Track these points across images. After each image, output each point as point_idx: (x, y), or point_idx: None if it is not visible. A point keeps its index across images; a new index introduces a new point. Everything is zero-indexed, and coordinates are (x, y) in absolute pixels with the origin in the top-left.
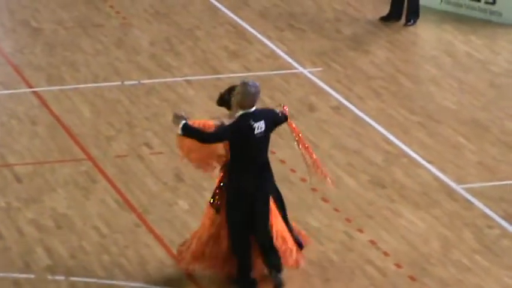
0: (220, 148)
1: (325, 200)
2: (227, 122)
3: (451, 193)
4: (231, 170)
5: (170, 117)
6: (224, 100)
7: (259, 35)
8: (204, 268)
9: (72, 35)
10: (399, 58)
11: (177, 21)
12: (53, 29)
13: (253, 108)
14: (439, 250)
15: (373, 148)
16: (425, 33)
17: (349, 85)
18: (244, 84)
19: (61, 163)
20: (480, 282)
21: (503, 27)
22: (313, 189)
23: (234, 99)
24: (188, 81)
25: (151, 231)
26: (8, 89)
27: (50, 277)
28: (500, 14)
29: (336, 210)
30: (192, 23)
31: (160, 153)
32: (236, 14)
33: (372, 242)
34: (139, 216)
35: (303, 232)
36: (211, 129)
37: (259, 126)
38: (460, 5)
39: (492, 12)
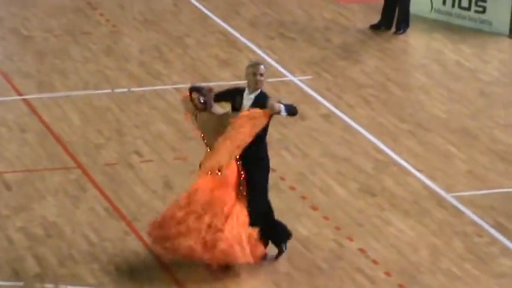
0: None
1: (314, 208)
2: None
3: (440, 201)
4: (263, 147)
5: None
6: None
7: (249, 44)
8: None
9: (62, 42)
10: (389, 66)
11: (167, 29)
12: (42, 37)
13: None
14: (429, 258)
15: (363, 156)
16: (416, 42)
17: (339, 93)
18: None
19: (51, 171)
20: None
21: (493, 36)
22: (303, 197)
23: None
24: (178, 89)
25: (140, 239)
26: None
27: (39, 285)
28: (490, 23)
29: (326, 218)
30: (182, 31)
31: (150, 161)
32: (226, 23)
33: (362, 250)
34: (128, 224)
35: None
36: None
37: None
38: (450, 14)
39: (482, 21)
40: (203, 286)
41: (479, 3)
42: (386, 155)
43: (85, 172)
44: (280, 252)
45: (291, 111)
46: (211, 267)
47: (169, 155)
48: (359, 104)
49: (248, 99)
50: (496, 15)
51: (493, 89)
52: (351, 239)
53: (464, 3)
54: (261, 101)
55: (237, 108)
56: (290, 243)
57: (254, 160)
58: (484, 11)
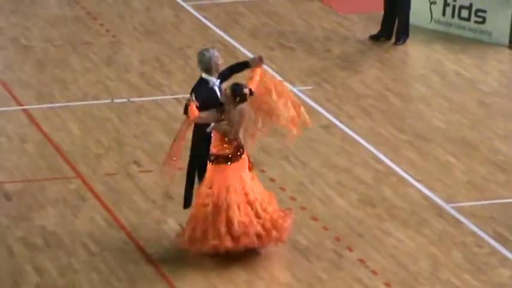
0: None
1: (314, 218)
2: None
3: (440, 212)
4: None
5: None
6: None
7: (249, 54)
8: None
9: (62, 52)
10: (389, 77)
11: (168, 39)
12: (42, 47)
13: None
14: (428, 269)
15: (363, 167)
16: (415, 52)
17: (339, 104)
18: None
19: (50, 181)
20: None
21: (493, 47)
22: (303, 208)
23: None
24: (178, 100)
25: (140, 249)
26: None
27: None
28: (489, 34)
29: (325, 228)
30: (183, 41)
31: (150, 171)
32: (226, 33)
33: (361, 261)
34: (128, 234)
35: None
36: None
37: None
38: (449, 25)
39: (482, 32)
40: None
41: (479, 13)
42: (386, 165)
43: (85, 182)
44: None
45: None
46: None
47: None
48: (359, 115)
49: (216, 82)
50: (496, 26)
51: (493, 100)
52: (350, 250)
53: (464, 14)
54: (225, 75)
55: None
56: (290, 253)
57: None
58: (483, 22)
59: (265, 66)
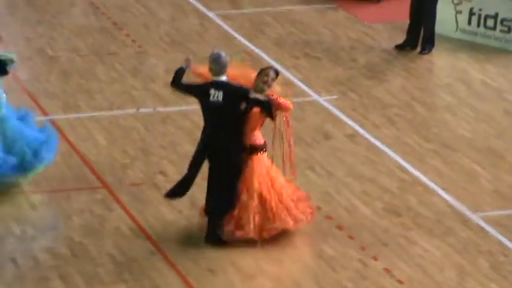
0: None
1: (339, 227)
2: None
3: (466, 221)
4: None
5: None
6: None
7: (274, 63)
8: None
9: (88, 63)
10: (414, 86)
11: (193, 49)
12: (68, 57)
13: (223, 78)
14: (454, 278)
15: (388, 176)
16: (441, 62)
17: (364, 113)
18: (212, 53)
19: (76, 191)
20: None
21: None
22: (328, 217)
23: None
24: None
25: (166, 259)
26: None
27: None
28: None
29: (351, 238)
30: (208, 51)
31: (176, 181)
32: (251, 42)
33: (387, 270)
34: (154, 244)
35: None
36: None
37: (215, 94)
38: (475, 34)
39: (507, 41)
40: None
41: (505, 22)
42: (411, 174)
43: (111, 192)
44: None
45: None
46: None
47: None
48: (384, 124)
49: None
50: None
51: None
52: (376, 259)
53: (490, 23)
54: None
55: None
56: (316, 263)
57: None
58: (509, 31)
59: (290, 75)
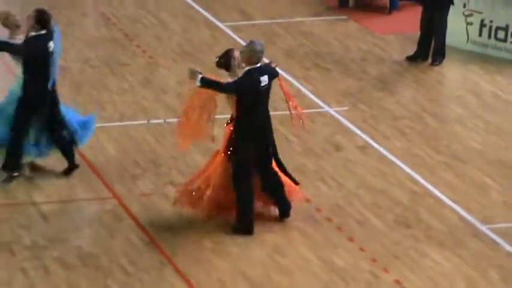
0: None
1: (350, 239)
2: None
3: (476, 233)
4: (238, 123)
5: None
6: (221, 63)
7: (285, 74)
8: (214, 212)
9: (99, 73)
10: (425, 98)
11: (204, 60)
12: (79, 68)
13: (259, 64)
14: None
15: (399, 188)
16: (451, 73)
17: (375, 125)
18: (252, 42)
19: (87, 201)
20: None
21: None
22: (339, 229)
23: (241, 57)
24: (214, 120)
25: (176, 269)
26: None
27: None
28: None
29: (362, 249)
30: None
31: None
32: None
33: (397, 282)
34: (164, 254)
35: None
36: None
37: (264, 79)
38: (486, 45)
39: None
40: None
41: None
42: (422, 186)
43: (121, 202)
44: None
45: (208, 83)
46: None
47: None
48: (395, 136)
49: None
50: None
51: None
52: (386, 271)
53: (501, 35)
54: None
55: None
56: (327, 275)
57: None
58: None
59: (301, 87)
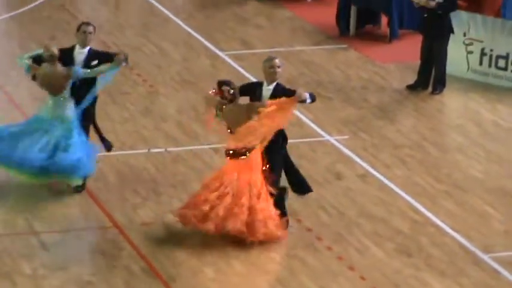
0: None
1: (351, 268)
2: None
3: (478, 262)
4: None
5: (195, 186)
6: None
7: None
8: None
9: (100, 102)
10: (425, 126)
11: (204, 89)
12: None
13: None
14: None
15: (400, 216)
16: (452, 102)
17: (376, 153)
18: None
19: (87, 230)
20: None
21: None
22: (339, 258)
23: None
24: (215, 149)
25: None
26: None
27: None
28: None
29: (362, 278)
30: None
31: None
32: None
33: None
34: (165, 283)
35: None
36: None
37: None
38: (486, 74)
39: None
40: None
41: None
42: (423, 215)
43: (121, 231)
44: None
45: (313, 97)
46: None
47: None
48: (395, 164)
49: (267, 90)
50: None
51: None
52: None
53: (501, 64)
54: (279, 91)
55: (257, 99)
56: None
57: (274, 147)
58: None
59: (301, 116)
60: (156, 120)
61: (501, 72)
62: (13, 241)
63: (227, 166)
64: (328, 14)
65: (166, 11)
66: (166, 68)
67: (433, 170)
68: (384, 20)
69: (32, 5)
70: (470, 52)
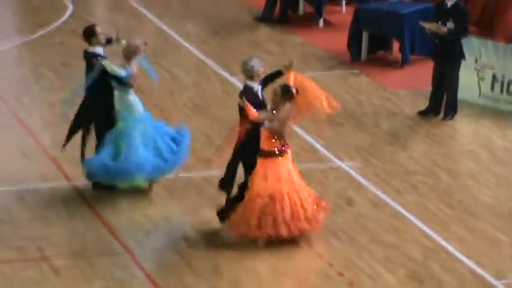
0: None
1: None
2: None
3: None
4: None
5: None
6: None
7: (298, 129)
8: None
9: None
10: (437, 152)
11: (216, 114)
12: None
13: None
14: None
15: (412, 243)
16: (463, 128)
17: (387, 179)
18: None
19: (99, 256)
20: None
21: None
22: (351, 283)
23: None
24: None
25: None
26: (47, 182)
27: None
28: None
29: None
30: (231, 116)
31: (198, 246)
32: None
33: None
34: None
35: None
36: None
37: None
38: (498, 100)
39: None
40: None
41: None
42: (435, 241)
43: (133, 258)
44: None
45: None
46: None
47: (217, 240)
48: (407, 190)
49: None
50: None
51: None
52: None
53: None
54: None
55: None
56: None
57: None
58: None
59: (313, 141)
60: None
61: None
62: (25, 267)
63: (270, 169)
64: (340, 40)
65: (177, 37)
66: (178, 94)
67: (445, 196)
68: (396, 45)
69: (44, 31)
70: (482, 78)
